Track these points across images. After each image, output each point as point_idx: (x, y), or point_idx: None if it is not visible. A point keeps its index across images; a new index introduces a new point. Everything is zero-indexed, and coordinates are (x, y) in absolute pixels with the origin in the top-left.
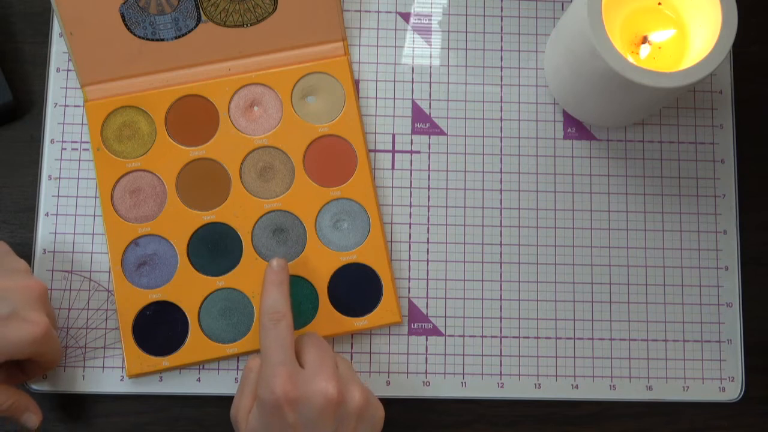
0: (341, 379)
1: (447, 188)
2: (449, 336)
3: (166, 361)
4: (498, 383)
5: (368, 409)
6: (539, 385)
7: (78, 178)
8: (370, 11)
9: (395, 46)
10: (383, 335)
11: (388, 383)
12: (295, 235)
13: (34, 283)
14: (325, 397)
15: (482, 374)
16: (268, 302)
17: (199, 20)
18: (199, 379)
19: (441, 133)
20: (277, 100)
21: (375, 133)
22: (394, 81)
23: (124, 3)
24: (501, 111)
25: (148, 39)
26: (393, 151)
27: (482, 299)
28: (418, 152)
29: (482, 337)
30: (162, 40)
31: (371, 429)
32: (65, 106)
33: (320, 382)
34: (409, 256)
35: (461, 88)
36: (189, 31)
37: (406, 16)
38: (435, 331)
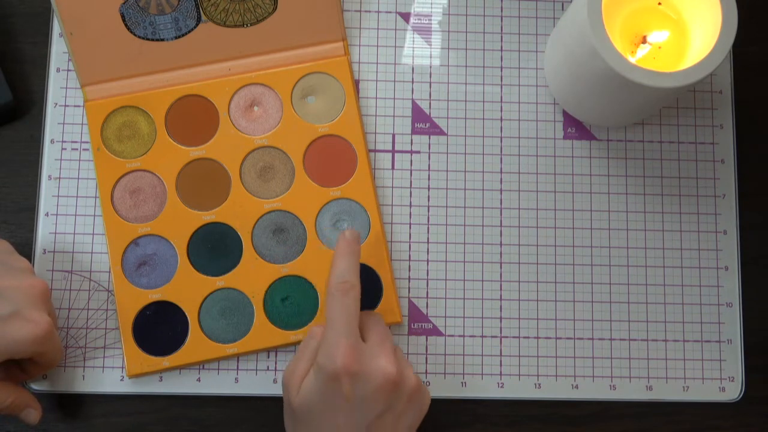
0: (398, 359)
1: (447, 188)
2: (449, 336)
3: (166, 361)
4: (498, 383)
5: (418, 394)
6: (539, 385)
7: (78, 178)
8: (370, 11)
9: (395, 46)
10: None
11: None
12: (295, 235)
13: (36, 282)
14: (385, 376)
15: (482, 374)
16: (339, 271)
17: (199, 20)
18: (199, 379)
19: (441, 133)
20: (277, 100)
21: (375, 133)
22: (394, 81)
23: (124, 3)
24: (501, 111)
25: (148, 39)
26: (393, 151)
27: (482, 299)
28: (418, 152)
29: (482, 337)
30: (162, 40)
31: (418, 413)
32: (65, 106)
33: (381, 360)
34: (409, 256)
35: (461, 88)
36: (189, 31)
37: (406, 16)
38: (435, 331)
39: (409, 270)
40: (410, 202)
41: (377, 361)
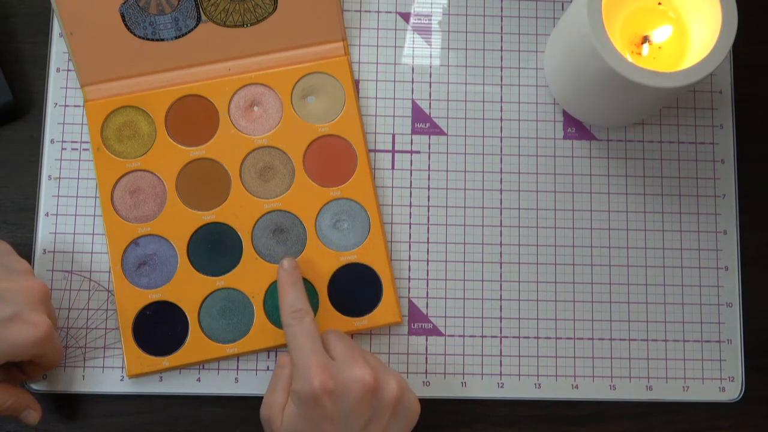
0: (375, 368)
1: (447, 188)
2: (449, 336)
3: (166, 361)
4: (498, 383)
5: (403, 401)
6: (539, 385)
7: (78, 178)
8: (370, 11)
9: (395, 46)
10: (383, 335)
11: None
12: (295, 235)
13: (35, 284)
14: (363, 384)
15: (482, 374)
16: (288, 301)
17: (199, 20)
18: (199, 379)
19: (441, 133)
20: (277, 100)
21: (375, 133)
22: (394, 81)
23: (124, 3)
24: (501, 111)
25: (148, 39)
26: (393, 151)
27: (482, 299)
28: (418, 152)
29: (482, 337)
30: (162, 40)
31: (405, 423)
32: (65, 106)
33: (355, 369)
34: (409, 256)
35: (461, 88)
36: (189, 31)
37: (406, 16)
38: (435, 331)
39: (409, 270)
40: (410, 202)
41: (351, 371)
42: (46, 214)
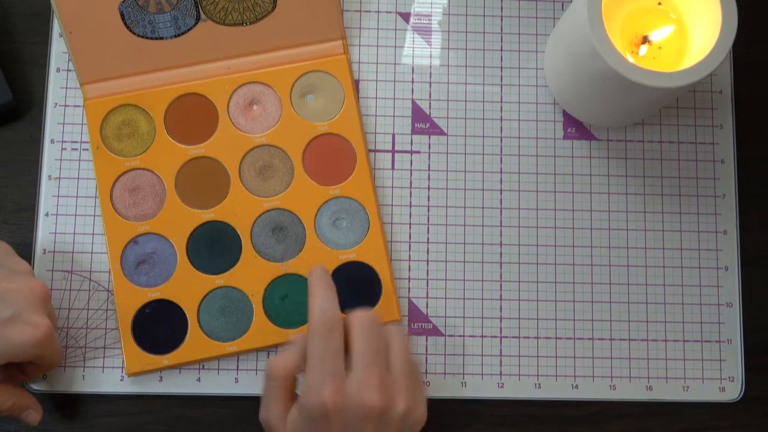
0: (388, 385)
1: (447, 188)
2: (449, 336)
3: (165, 360)
4: (498, 383)
5: (407, 418)
6: (539, 385)
7: (78, 178)
8: (370, 11)
9: (395, 46)
10: None
11: None
12: (294, 234)
13: (36, 285)
14: (371, 409)
15: (482, 374)
16: (321, 307)
17: (198, 19)
18: (198, 379)
19: (441, 133)
20: (277, 98)
21: (375, 133)
22: (394, 81)
23: (123, 1)
24: (501, 111)
25: (147, 38)
26: (393, 151)
27: (482, 299)
28: (418, 152)
29: (482, 337)
30: (161, 38)
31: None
32: (65, 106)
33: (367, 392)
34: (409, 256)
35: (461, 88)
36: (188, 30)
37: (406, 16)
38: (435, 331)
39: (409, 270)
40: (410, 202)
41: (363, 394)
42: (46, 214)
